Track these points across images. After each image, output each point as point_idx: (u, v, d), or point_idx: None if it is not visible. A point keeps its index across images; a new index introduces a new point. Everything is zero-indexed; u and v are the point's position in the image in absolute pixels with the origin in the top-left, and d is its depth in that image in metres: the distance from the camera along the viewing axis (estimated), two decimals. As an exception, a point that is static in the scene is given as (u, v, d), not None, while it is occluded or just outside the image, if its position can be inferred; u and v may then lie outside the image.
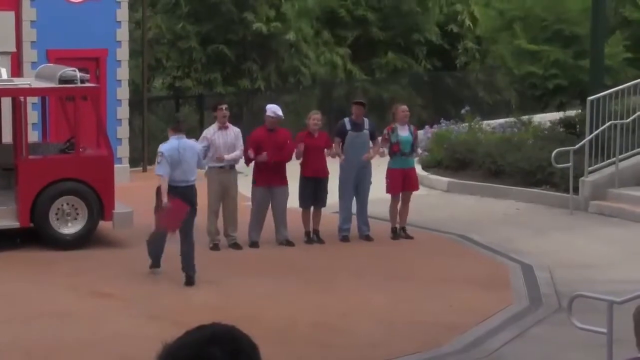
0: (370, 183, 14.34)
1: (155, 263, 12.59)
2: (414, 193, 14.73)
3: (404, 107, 14.75)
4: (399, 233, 14.52)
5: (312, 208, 14.24)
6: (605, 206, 16.38)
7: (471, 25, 28.11)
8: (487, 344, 9.97)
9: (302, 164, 14.17)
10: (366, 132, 14.34)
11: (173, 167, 12.07)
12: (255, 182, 13.98)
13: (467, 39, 28.51)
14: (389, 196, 14.59)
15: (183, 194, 11.99)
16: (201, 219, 13.82)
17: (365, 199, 14.30)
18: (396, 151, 14.40)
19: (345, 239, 14.33)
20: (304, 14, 25.23)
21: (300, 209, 14.26)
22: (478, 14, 27.78)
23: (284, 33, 24.68)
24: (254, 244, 13.90)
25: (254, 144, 13.81)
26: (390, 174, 14.43)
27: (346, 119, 14.54)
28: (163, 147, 12.27)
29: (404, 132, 14.45)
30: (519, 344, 10.02)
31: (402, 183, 14.43)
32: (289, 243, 13.99)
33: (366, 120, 14.47)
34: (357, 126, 14.32)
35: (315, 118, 14.27)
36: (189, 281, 12.02)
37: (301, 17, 25.07)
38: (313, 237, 14.24)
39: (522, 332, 10.36)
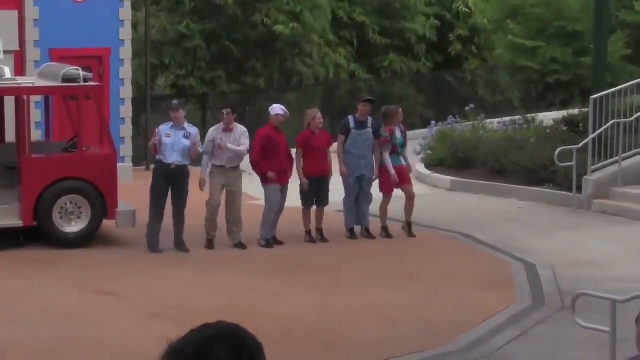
0: (374, 178, 14.39)
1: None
2: (416, 191, 14.82)
3: (399, 110, 14.94)
4: (403, 228, 14.58)
5: (314, 207, 14.26)
6: (608, 205, 16.37)
7: (469, 10, 27.97)
8: (490, 342, 9.98)
9: (304, 163, 14.16)
10: (369, 130, 14.41)
11: None
12: (266, 180, 13.95)
13: (460, 28, 28.31)
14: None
15: None
16: (201, 217, 13.84)
17: (368, 193, 14.37)
18: (394, 152, 14.52)
19: (352, 233, 14.37)
20: (318, 12, 25.15)
21: (301, 208, 14.27)
22: (472, 4, 27.71)
23: (304, 36, 24.63)
24: (269, 242, 13.84)
25: (262, 145, 13.81)
26: (385, 173, 14.49)
27: (350, 117, 14.64)
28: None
29: (398, 134, 14.70)
30: (522, 342, 10.02)
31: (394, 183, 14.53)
32: (277, 241, 13.99)
33: (370, 119, 14.53)
34: (361, 124, 14.40)
35: (319, 117, 14.33)
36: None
37: (317, 16, 24.99)
38: (317, 236, 14.25)
39: (525, 330, 10.36)
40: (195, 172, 14.08)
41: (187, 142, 13.62)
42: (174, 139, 13.57)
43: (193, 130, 13.84)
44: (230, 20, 24.45)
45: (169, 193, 13.61)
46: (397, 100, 23.63)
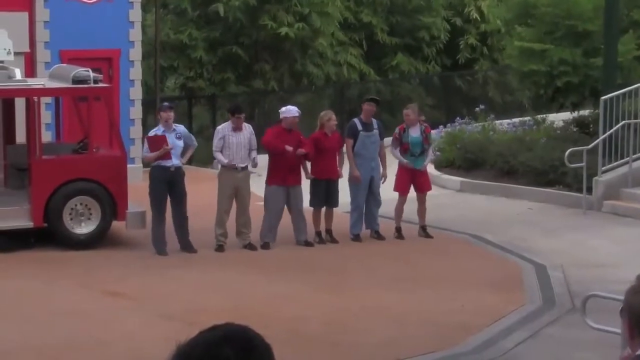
0: (383, 179, 14.38)
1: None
2: (428, 193, 14.76)
3: (407, 110, 14.81)
4: (419, 234, 14.57)
5: (324, 208, 14.25)
6: (618, 206, 16.34)
7: (478, 17, 27.77)
8: (500, 344, 9.96)
9: (313, 165, 14.15)
10: (376, 131, 14.43)
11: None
12: (268, 182, 13.97)
13: (471, 34, 28.10)
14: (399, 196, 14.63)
15: None
16: (209, 219, 13.85)
17: (378, 195, 14.35)
18: (405, 151, 14.48)
19: (357, 238, 14.36)
20: (326, 18, 25.10)
21: (311, 209, 14.27)
22: (485, 8, 27.53)
23: (311, 38, 24.59)
24: (265, 245, 13.88)
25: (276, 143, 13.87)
26: (399, 172, 14.55)
27: (356, 120, 14.61)
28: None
29: (414, 133, 14.54)
30: (532, 344, 10.00)
31: (409, 183, 14.51)
32: (308, 244, 13.99)
33: (374, 120, 14.54)
34: (367, 126, 14.41)
35: (333, 119, 14.36)
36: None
37: (325, 22, 24.93)
38: (326, 237, 14.25)
39: (535, 332, 10.33)
40: (196, 173, 14.09)
41: (180, 143, 13.71)
42: (170, 142, 13.59)
43: (181, 128, 13.96)
44: (234, 25, 24.41)
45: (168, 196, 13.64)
46: (405, 101, 23.57)
